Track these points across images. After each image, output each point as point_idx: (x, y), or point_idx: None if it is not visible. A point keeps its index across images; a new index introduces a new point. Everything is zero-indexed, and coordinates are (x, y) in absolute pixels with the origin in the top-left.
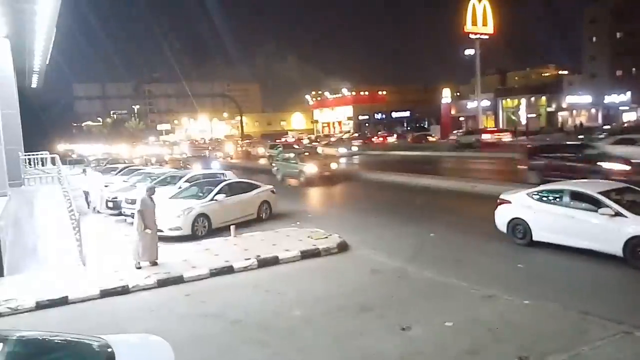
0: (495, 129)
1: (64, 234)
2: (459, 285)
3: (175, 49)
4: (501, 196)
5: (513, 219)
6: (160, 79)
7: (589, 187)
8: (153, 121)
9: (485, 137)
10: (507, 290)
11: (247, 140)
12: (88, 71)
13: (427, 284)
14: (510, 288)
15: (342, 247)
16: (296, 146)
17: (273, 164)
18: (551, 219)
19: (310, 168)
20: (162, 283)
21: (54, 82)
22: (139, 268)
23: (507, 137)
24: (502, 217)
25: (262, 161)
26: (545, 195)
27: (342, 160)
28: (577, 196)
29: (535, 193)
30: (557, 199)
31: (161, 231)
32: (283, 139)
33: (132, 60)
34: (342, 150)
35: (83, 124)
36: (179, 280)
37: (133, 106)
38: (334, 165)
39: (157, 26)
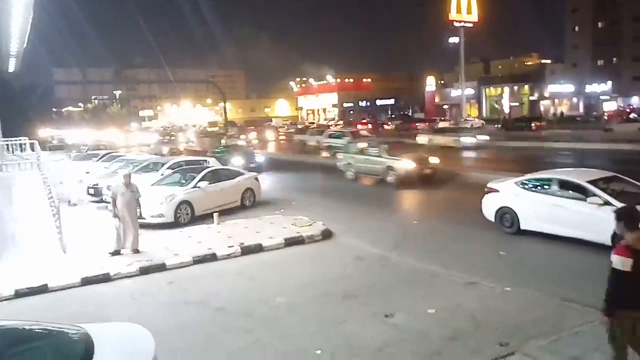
0: None
1: (44, 221)
2: (441, 272)
3: (158, 34)
4: (489, 184)
5: (501, 207)
6: (142, 64)
7: (578, 175)
8: (135, 107)
9: None
10: (489, 277)
11: (296, 125)
12: (68, 55)
13: (410, 271)
14: (492, 275)
15: (326, 235)
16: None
17: (339, 158)
18: (539, 208)
19: (406, 164)
20: (144, 270)
21: (32, 66)
22: (115, 254)
23: None
24: (489, 206)
25: (304, 153)
26: (534, 184)
27: (467, 153)
28: (565, 185)
29: (524, 182)
30: (546, 188)
31: (143, 218)
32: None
33: (114, 44)
34: (467, 140)
35: (64, 109)
36: (161, 267)
37: (114, 91)
38: (434, 161)
39: (140, 10)
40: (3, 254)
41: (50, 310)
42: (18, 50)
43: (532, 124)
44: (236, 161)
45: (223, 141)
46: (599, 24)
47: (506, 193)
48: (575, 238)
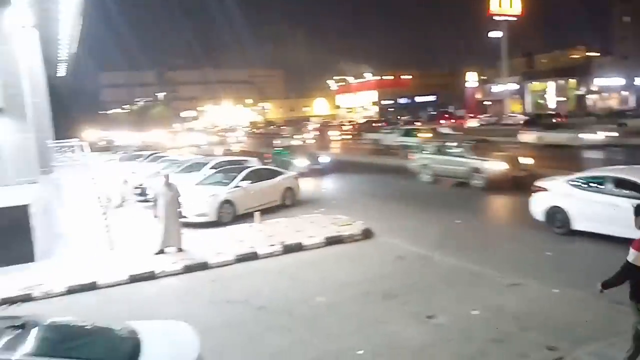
0: None
1: (92, 220)
2: (486, 272)
3: (199, 36)
4: (536, 183)
5: (551, 207)
6: (184, 66)
7: (634, 173)
8: (177, 108)
9: None
10: (535, 278)
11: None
12: (113, 59)
13: (451, 270)
14: (539, 276)
15: (367, 234)
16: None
17: (414, 158)
18: (593, 208)
19: (496, 165)
20: (188, 269)
21: (80, 71)
22: (159, 253)
23: None
24: (538, 205)
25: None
26: (587, 182)
27: (589, 154)
28: (621, 183)
29: (576, 180)
30: (600, 187)
31: (185, 217)
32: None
33: (157, 47)
34: (590, 136)
35: (109, 112)
36: (204, 266)
37: (157, 94)
38: (527, 162)
39: (181, 13)
40: (55, 252)
41: (99, 307)
42: (67, 55)
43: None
44: (299, 163)
45: (278, 141)
46: None
47: (556, 192)
48: (631, 239)
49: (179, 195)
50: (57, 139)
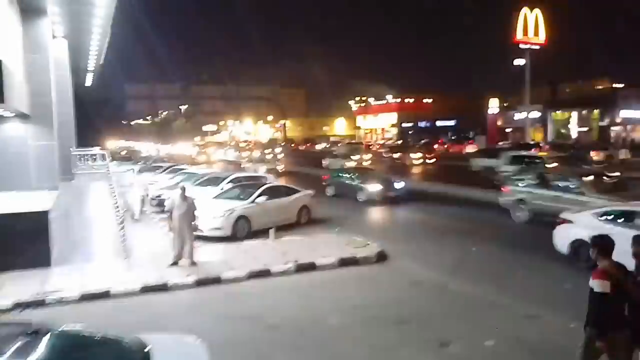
0: None
1: (110, 229)
2: (501, 302)
3: (223, 52)
4: (561, 215)
5: (576, 240)
6: (207, 81)
7: None
8: (199, 122)
9: None
10: (553, 311)
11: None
12: (138, 71)
13: (468, 298)
14: (557, 309)
15: (381, 257)
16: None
17: (507, 190)
18: (622, 242)
19: None
20: (201, 282)
21: (106, 81)
22: (173, 265)
23: None
24: (563, 237)
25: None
26: (615, 216)
27: None
28: None
29: (603, 214)
30: (628, 221)
31: (201, 231)
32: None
33: (182, 61)
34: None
35: (132, 122)
36: (217, 280)
37: (180, 106)
38: None
39: (207, 30)
40: (71, 259)
41: (111, 316)
42: (95, 65)
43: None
44: (372, 187)
45: (327, 161)
46: None
47: (582, 225)
48: None
49: (195, 209)
50: (79, 147)
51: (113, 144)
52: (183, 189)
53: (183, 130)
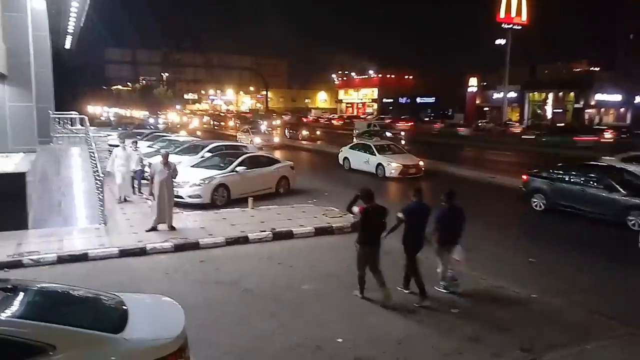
0: None
1: (88, 193)
2: (467, 274)
3: (207, 20)
4: None
5: None
6: (190, 49)
7: None
8: (180, 90)
9: None
10: (515, 283)
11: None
12: (120, 36)
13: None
14: (518, 281)
15: (356, 227)
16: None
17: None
18: None
19: None
20: (179, 248)
21: (87, 44)
22: (151, 230)
23: None
24: None
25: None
26: None
27: None
28: None
29: None
30: None
31: (181, 197)
32: None
33: (164, 27)
34: None
35: (112, 88)
36: (195, 246)
37: (162, 73)
38: None
39: None
40: (49, 222)
41: (89, 278)
42: (75, 28)
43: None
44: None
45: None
46: None
47: None
48: None
49: (176, 175)
50: (58, 111)
51: (93, 108)
52: (166, 156)
53: (164, 98)
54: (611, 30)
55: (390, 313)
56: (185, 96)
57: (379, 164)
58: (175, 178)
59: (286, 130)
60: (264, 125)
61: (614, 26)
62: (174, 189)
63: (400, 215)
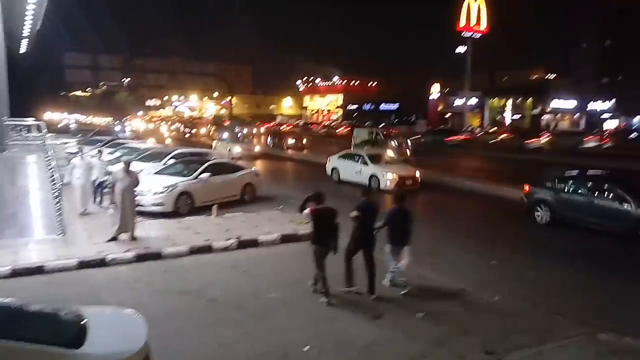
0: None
1: (45, 203)
2: (433, 277)
3: (170, 25)
4: None
5: None
6: (152, 53)
7: None
8: (143, 95)
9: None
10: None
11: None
12: (79, 40)
13: (401, 273)
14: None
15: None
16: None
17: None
18: None
19: None
20: (141, 258)
21: (44, 48)
22: (112, 240)
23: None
24: None
25: None
26: None
27: None
28: None
29: None
30: None
31: (143, 206)
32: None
33: (125, 32)
34: None
35: (71, 94)
36: (157, 255)
37: (123, 79)
38: None
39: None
40: (4, 233)
41: (46, 291)
42: (31, 31)
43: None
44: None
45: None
46: (606, 42)
47: None
48: None
49: (138, 183)
50: (13, 117)
51: (52, 115)
52: (128, 163)
53: (125, 104)
54: (565, 39)
55: (356, 318)
56: (148, 102)
57: (373, 175)
58: (137, 186)
59: (269, 139)
60: (242, 133)
61: (568, 35)
62: (136, 197)
63: (355, 213)
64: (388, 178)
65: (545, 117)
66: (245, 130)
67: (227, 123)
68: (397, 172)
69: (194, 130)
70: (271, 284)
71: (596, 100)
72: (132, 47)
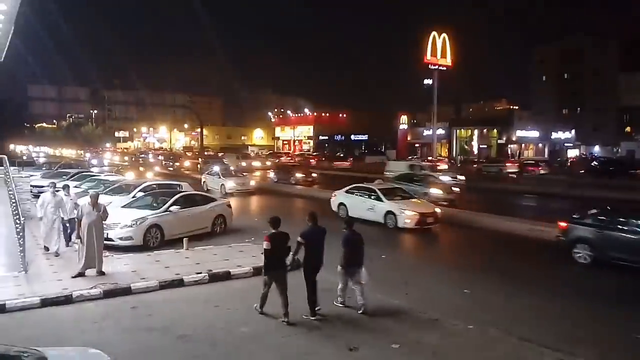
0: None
1: (7, 238)
2: (406, 308)
3: (138, 57)
4: None
5: None
6: (120, 85)
7: None
8: (110, 127)
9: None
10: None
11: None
12: (45, 72)
13: (376, 305)
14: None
15: (296, 266)
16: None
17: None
18: None
19: None
20: (108, 294)
21: (7, 81)
22: (78, 276)
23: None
24: None
25: None
26: None
27: None
28: None
29: None
30: None
31: (111, 240)
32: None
33: (92, 64)
34: None
35: (36, 126)
36: (126, 291)
37: (91, 111)
38: None
39: (121, 32)
40: None
41: (7, 331)
42: None
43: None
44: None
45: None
46: (565, 75)
47: None
48: None
49: (106, 217)
50: None
51: (17, 147)
52: (95, 196)
53: (93, 136)
54: (527, 72)
55: (332, 351)
56: (117, 134)
57: (389, 212)
58: (105, 220)
59: (273, 173)
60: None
61: (530, 69)
62: (104, 231)
63: (300, 239)
64: (408, 216)
65: (511, 146)
66: (244, 163)
67: (221, 154)
68: (417, 209)
69: (177, 164)
70: (244, 318)
71: (557, 131)
72: (99, 79)
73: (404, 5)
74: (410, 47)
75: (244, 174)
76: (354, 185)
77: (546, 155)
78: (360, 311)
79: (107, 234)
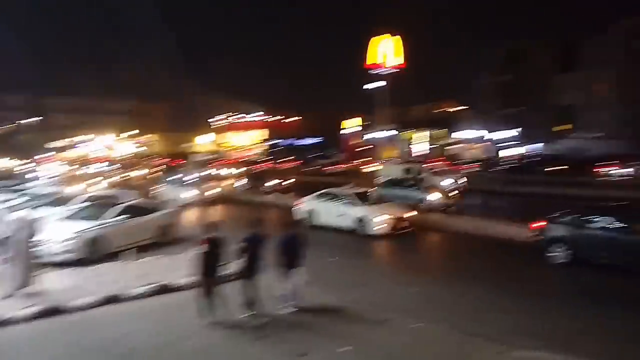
0: None
1: None
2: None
3: (77, 62)
4: None
5: None
6: (58, 92)
7: None
8: (49, 136)
9: None
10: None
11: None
12: None
13: (325, 307)
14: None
15: (241, 275)
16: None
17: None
18: None
19: None
20: (44, 313)
21: None
22: (8, 297)
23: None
24: None
25: None
26: None
27: None
28: None
29: None
30: None
31: (49, 255)
32: None
33: (28, 71)
34: None
35: None
36: (63, 309)
37: (24, 121)
38: None
39: (58, 38)
40: None
41: None
42: None
43: None
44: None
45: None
46: (506, 76)
47: None
48: None
49: (35, 232)
50: None
51: None
52: (23, 211)
53: (30, 146)
54: (470, 73)
55: (281, 357)
56: (56, 143)
57: (361, 218)
58: (34, 236)
59: (244, 179)
60: (197, 173)
61: (472, 69)
62: (34, 247)
63: (242, 244)
64: (380, 220)
65: (456, 146)
66: (208, 172)
67: (182, 162)
68: (390, 212)
69: (131, 174)
70: (189, 331)
71: (497, 130)
72: (36, 86)
73: (355, 6)
74: (358, 48)
75: (208, 182)
76: (324, 190)
77: (490, 154)
78: (290, 311)
79: (45, 249)
